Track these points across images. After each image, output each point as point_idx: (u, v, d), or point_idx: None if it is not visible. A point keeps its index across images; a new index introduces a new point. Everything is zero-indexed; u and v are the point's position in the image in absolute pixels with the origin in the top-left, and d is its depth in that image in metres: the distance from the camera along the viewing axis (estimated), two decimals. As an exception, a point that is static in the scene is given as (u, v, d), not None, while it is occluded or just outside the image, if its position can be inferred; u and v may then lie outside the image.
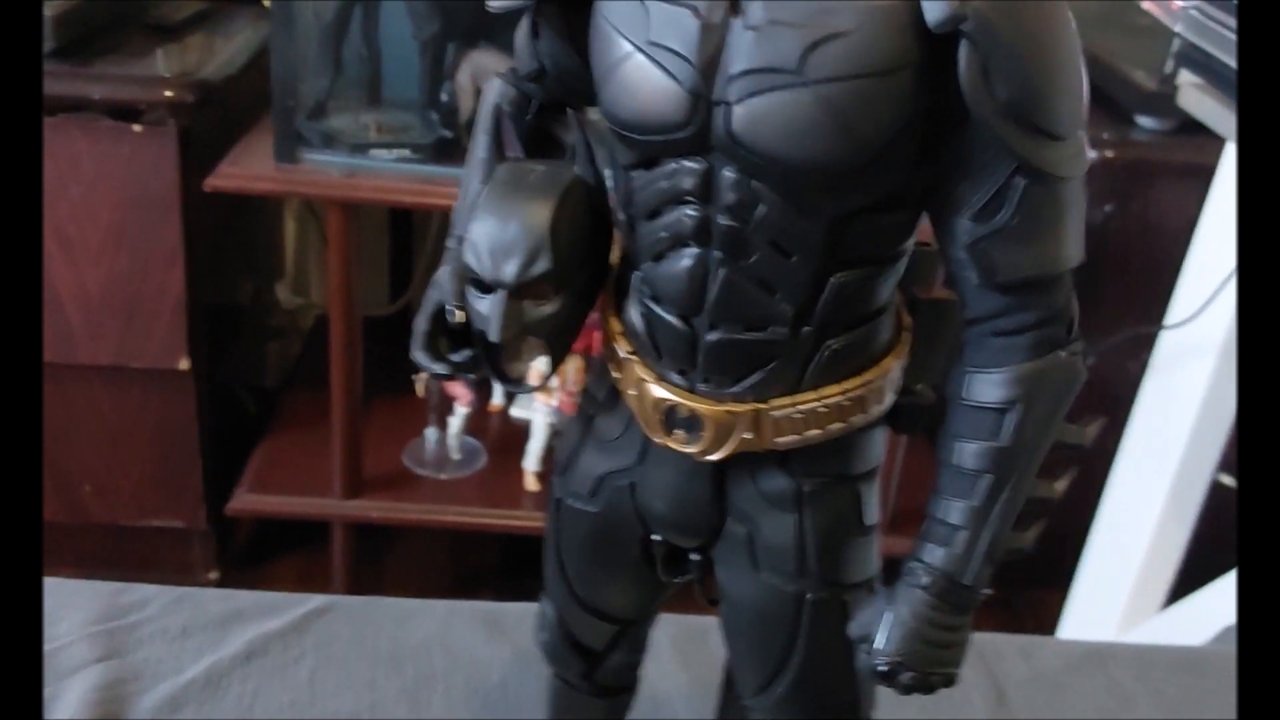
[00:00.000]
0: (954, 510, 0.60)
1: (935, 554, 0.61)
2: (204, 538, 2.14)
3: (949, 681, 0.62)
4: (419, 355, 0.66)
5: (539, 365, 0.65)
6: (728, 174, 0.57)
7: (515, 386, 0.65)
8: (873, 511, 0.67)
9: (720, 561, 0.69)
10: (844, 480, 0.65)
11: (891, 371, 0.63)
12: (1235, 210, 1.43)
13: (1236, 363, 1.54)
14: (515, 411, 2.25)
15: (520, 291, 0.61)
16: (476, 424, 2.17)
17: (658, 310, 0.62)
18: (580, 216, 0.63)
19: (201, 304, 1.96)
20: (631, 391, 0.65)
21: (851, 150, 0.54)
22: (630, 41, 0.56)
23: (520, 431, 2.14)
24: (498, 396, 2.27)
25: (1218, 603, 1.63)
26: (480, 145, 0.68)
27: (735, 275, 0.59)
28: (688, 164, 0.58)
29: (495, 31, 1.87)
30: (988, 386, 0.59)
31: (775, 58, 0.53)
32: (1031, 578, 2.22)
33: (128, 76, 1.83)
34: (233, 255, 2.24)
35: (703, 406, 0.63)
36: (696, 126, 0.56)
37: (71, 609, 1.09)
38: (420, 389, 2.09)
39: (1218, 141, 1.68)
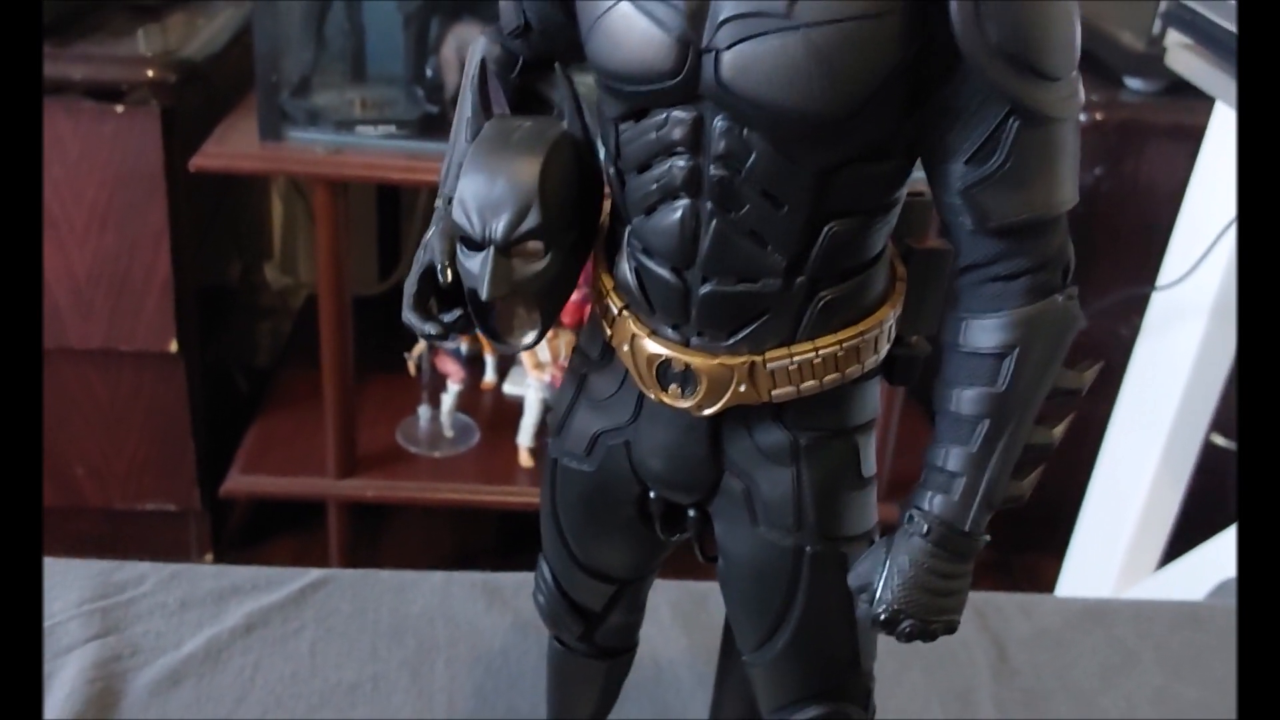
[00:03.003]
0: (952, 457, 0.60)
1: (934, 501, 0.60)
2: (199, 519, 2.14)
3: (950, 629, 0.62)
4: (410, 316, 0.65)
5: (531, 324, 0.64)
6: (718, 123, 0.56)
7: (507, 346, 0.65)
8: (870, 464, 0.66)
9: (718, 517, 0.68)
10: (840, 433, 0.65)
11: (886, 321, 0.63)
12: (1235, 167, 1.43)
13: (1236, 319, 1.54)
14: (508, 388, 2.24)
15: (510, 248, 0.60)
16: (469, 401, 2.17)
17: (650, 264, 0.61)
18: (569, 171, 0.62)
19: (190, 285, 1.96)
20: (625, 347, 0.65)
21: (841, 95, 0.54)
22: None
23: (513, 408, 2.14)
24: (490, 374, 2.26)
25: (1212, 562, 1.64)
26: (467, 104, 0.67)
27: (727, 227, 0.58)
28: (677, 114, 0.57)
29: (480, 5, 1.86)
30: (984, 332, 0.59)
31: (763, 2, 0.53)
32: (1028, 540, 2.23)
33: (109, 56, 1.82)
34: (220, 236, 2.23)
35: (697, 360, 0.62)
36: (685, 75, 0.55)
37: (65, 587, 1.09)
38: (412, 367, 2.09)
39: (1207, 102, 1.68)
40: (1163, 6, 1.80)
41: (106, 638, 1.04)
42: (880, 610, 0.60)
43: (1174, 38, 1.76)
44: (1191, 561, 1.70)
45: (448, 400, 2.10)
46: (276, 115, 1.80)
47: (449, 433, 2.12)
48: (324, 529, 2.11)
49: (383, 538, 2.28)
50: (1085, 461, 1.92)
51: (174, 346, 1.95)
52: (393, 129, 1.83)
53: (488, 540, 2.28)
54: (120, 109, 1.80)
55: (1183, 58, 1.71)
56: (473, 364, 2.21)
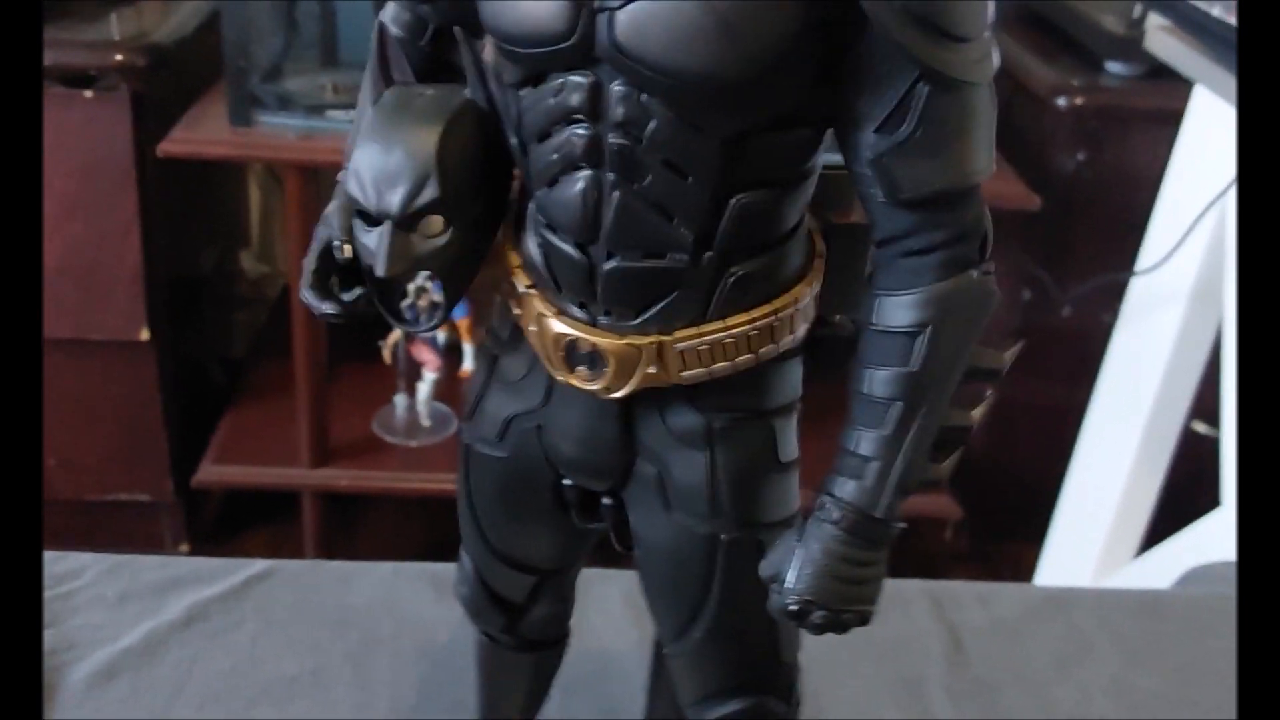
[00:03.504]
0: (865, 441, 0.58)
1: (846, 487, 0.58)
2: (172, 511, 2.12)
3: (864, 620, 0.59)
4: (307, 295, 0.62)
5: (434, 304, 0.62)
6: (616, 88, 0.54)
7: (409, 326, 0.62)
8: (790, 448, 0.64)
9: (632, 504, 0.66)
10: (757, 415, 0.62)
11: (802, 299, 0.60)
12: (1236, 150, 1.40)
13: (1232, 301, 1.52)
14: (485, 376, 2.22)
15: (408, 223, 0.58)
16: (446, 390, 2.14)
17: (554, 240, 0.59)
18: (472, 142, 0.59)
19: (162, 274, 1.93)
20: (532, 328, 0.62)
21: (741, 61, 0.51)
22: None
23: (490, 396, 2.11)
24: (468, 362, 2.24)
25: (1192, 549, 1.61)
26: (372, 72, 0.65)
27: (630, 199, 0.56)
28: (574, 78, 0.54)
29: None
30: (898, 310, 0.56)
31: None
32: (1007, 529, 2.21)
33: (78, 41, 1.80)
34: (196, 225, 2.21)
35: (604, 340, 0.60)
36: (579, 36, 0.53)
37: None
38: (387, 355, 2.07)
39: (1187, 86, 1.65)
40: (1144, -15, 1.78)
41: (44, 630, 1.02)
42: (789, 600, 0.58)
43: (1154, 21, 1.74)
44: (1170, 549, 1.68)
45: (424, 389, 2.08)
46: (247, 100, 1.78)
47: (426, 422, 2.10)
48: (298, 519, 2.09)
49: (358, 528, 2.26)
50: (1064, 449, 1.90)
51: (145, 335, 1.93)
52: (364, 114, 1.80)
53: (464, 530, 2.26)
54: (89, 95, 1.78)
55: (1162, 41, 1.69)
56: (450, 352, 2.18)
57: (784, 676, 0.69)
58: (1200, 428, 1.84)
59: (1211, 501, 1.61)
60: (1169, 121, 1.72)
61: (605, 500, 0.67)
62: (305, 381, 1.94)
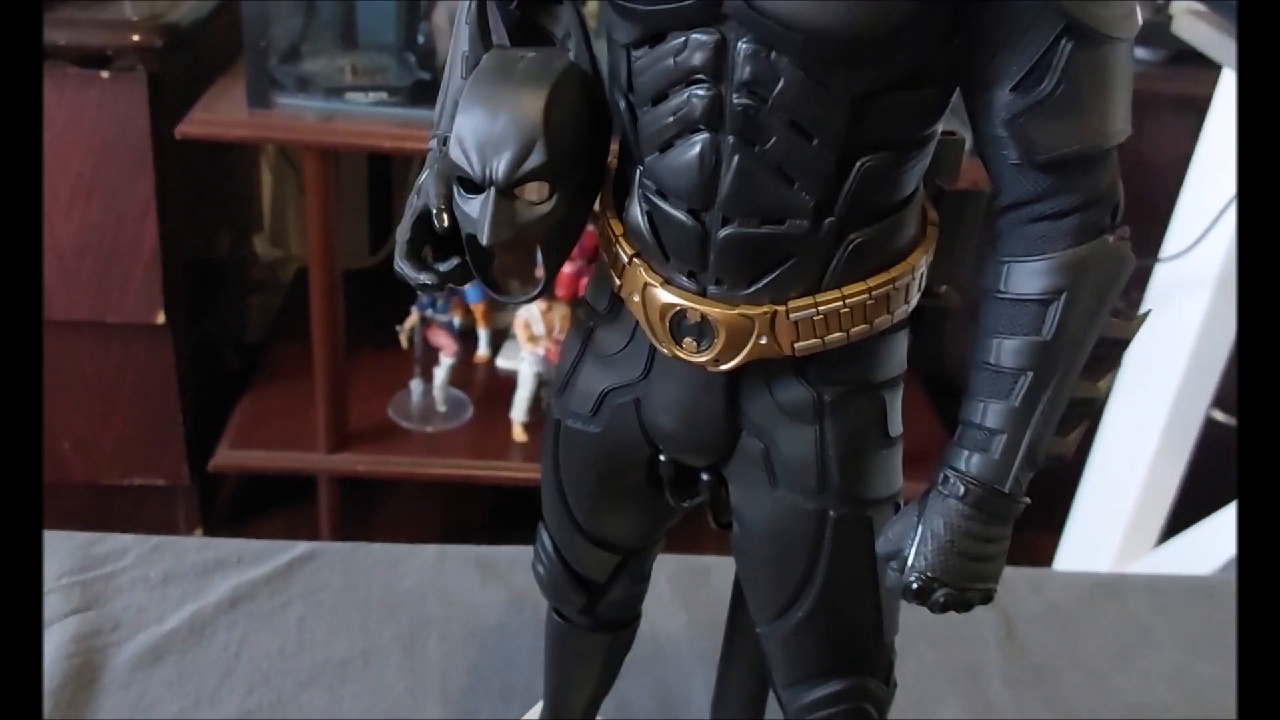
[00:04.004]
0: (991, 413, 0.56)
1: (971, 461, 0.57)
2: (188, 494, 2.11)
3: (987, 598, 0.58)
4: (402, 265, 0.61)
5: (535, 273, 0.60)
6: (743, 46, 0.52)
7: (508, 297, 0.61)
8: (897, 422, 0.62)
9: (734, 480, 0.65)
10: (867, 388, 0.61)
11: (918, 267, 0.59)
12: (1236, 139, 1.40)
13: (1236, 293, 1.51)
14: (501, 362, 2.21)
15: (512, 189, 0.56)
16: (462, 375, 2.13)
17: (664, 206, 0.57)
18: (576, 106, 0.58)
19: (178, 257, 1.92)
20: (635, 298, 0.60)
21: (875, 15, 0.50)
22: None
23: (507, 382, 2.10)
24: (484, 347, 2.23)
25: (1212, 539, 1.61)
26: (462, 38, 0.63)
27: (751, 162, 0.54)
28: (698, 36, 0.53)
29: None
30: (1028, 276, 0.55)
31: None
32: (1025, 515, 2.20)
33: (94, 21, 1.77)
34: (209, 208, 2.19)
35: (715, 310, 0.58)
36: None
37: (45, 560, 1.05)
38: (404, 340, 2.05)
39: (1212, 72, 1.64)
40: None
41: (86, 612, 1.01)
42: (912, 578, 0.56)
43: (1180, 5, 1.73)
44: (1191, 540, 1.68)
45: (440, 374, 2.06)
46: (265, 82, 1.76)
47: (441, 407, 2.09)
48: (314, 504, 2.08)
49: (374, 513, 2.24)
50: (1085, 436, 1.89)
51: (161, 318, 1.91)
52: (384, 96, 1.79)
53: (480, 516, 2.25)
54: (106, 75, 1.76)
55: (1189, 24, 1.68)
56: (465, 337, 2.17)
57: (884, 657, 0.67)
58: (1220, 416, 1.84)
59: (1231, 492, 1.60)
60: (1194, 107, 1.72)
61: (704, 476, 0.65)
62: (323, 366, 1.93)
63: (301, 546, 1.10)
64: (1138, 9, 0.52)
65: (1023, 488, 0.57)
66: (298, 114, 1.76)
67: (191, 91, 1.79)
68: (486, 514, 2.25)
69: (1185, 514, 1.76)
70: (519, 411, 2.05)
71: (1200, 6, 1.65)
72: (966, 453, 0.57)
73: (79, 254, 1.86)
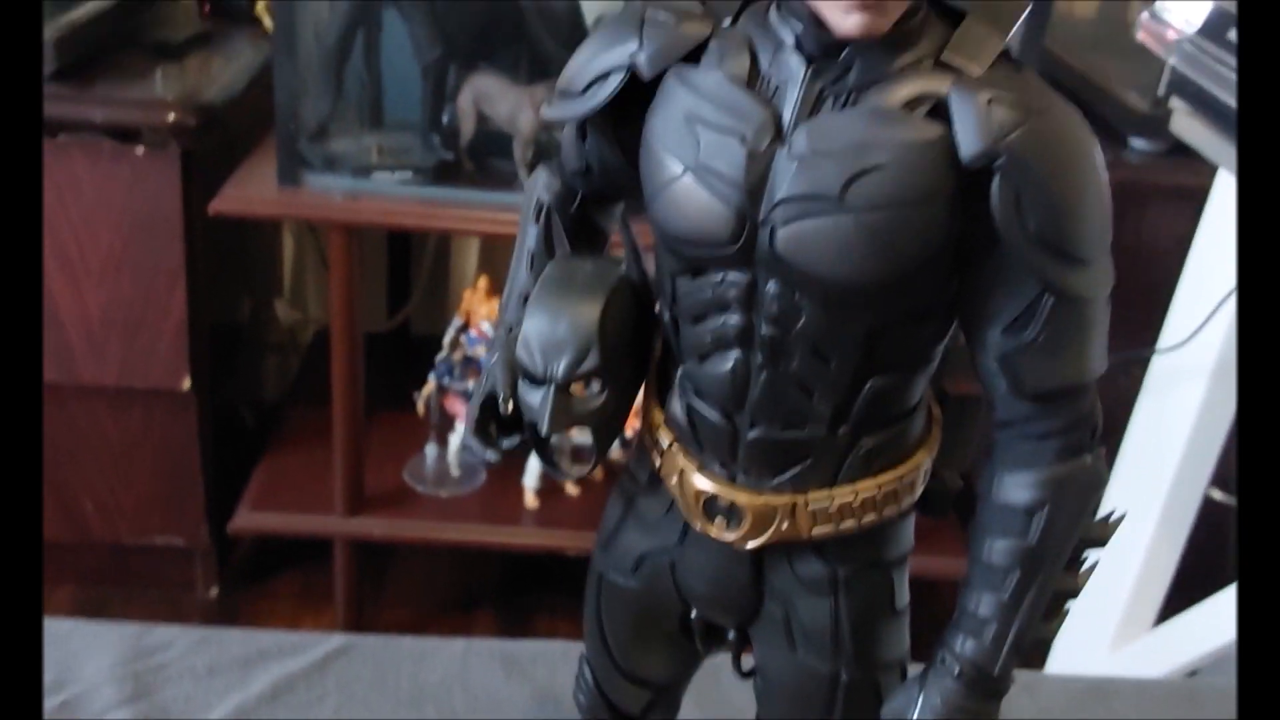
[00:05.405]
0: (984, 603, 0.64)
1: (966, 645, 0.64)
2: (205, 555, 2.16)
3: None
4: (472, 441, 0.68)
5: (587, 454, 0.67)
6: (771, 286, 0.60)
7: (562, 474, 0.68)
8: (904, 595, 0.70)
9: (758, 640, 0.72)
10: (877, 566, 0.68)
11: (923, 465, 0.66)
12: (1236, 230, 1.45)
13: (1237, 379, 1.56)
14: (514, 429, 2.25)
15: (569, 386, 0.63)
16: (476, 441, 2.17)
17: (700, 406, 0.65)
18: (627, 313, 0.65)
19: (203, 323, 1.97)
20: (673, 479, 0.68)
21: (888, 270, 0.57)
22: (681, 163, 0.59)
23: (520, 449, 2.14)
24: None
25: (1210, 620, 1.65)
26: (529, 236, 0.71)
27: (776, 377, 0.62)
28: (733, 275, 0.60)
29: (496, 56, 1.89)
30: (1016, 488, 0.63)
31: (818, 186, 0.56)
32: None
33: (130, 99, 1.84)
34: (232, 273, 2.25)
35: (743, 497, 0.65)
36: (743, 243, 0.59)
37: (96, 651, 1.11)
38: (421, 407, 2.10)
39: (1210, 164, 1.70)
40: (1169, 74, 1.83)
41: (138, 701, 1.07)
42: None
43: (1179, 103, 1.79)
44: (1189, 621, 1.72)
45: (455, 440, 2.10)
46: (295, 160, 1.81)
47: (456, 472, 2.13)
48: (329, 566, 2.12)
49: (387, 575, 2.29)
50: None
51: (187, 385, 1.97)
52: (409, 175, 1.85)
53: (493, 580, 2.30)
54: (139, 151, 1.82)
55: (1186, 123, 1.73)
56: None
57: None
58: (1218, 495, 1.89)
59: (1229, 571, 1.64)
60: (1192, 198, 1.77)
61: (731, 634, 0.72)
62: (342, 431, 1.97)
63: (336, 639, 1.16)
64: (1111, 269, 0.59)
65: (1010, 671, 0.65)
66: (325, 192, 1.82)
67: (221, 166, 1.85)
68: (498, 578, 2.30)
69: (1183, 593, 1.80)
70: (531, 478, 2.09)
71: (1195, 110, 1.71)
72: (962, 637, 0.65)
73: (107, 323, 1.91)
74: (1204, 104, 1.67)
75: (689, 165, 0.59)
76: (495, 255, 2.45)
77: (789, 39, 0.58)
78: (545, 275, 0.66)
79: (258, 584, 2.24)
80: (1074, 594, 0.66)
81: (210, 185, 1.80)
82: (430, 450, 2.14)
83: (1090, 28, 2.35)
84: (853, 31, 0.54)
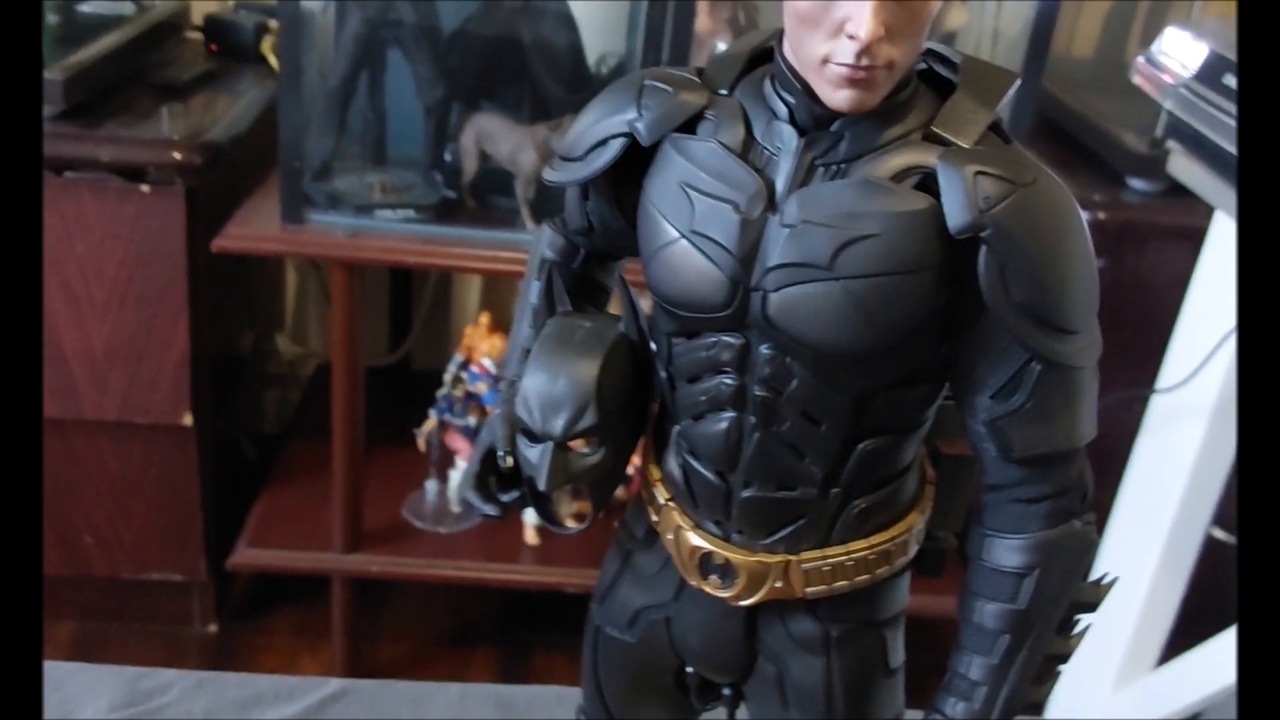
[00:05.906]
0: (975, 666, 0.64)
1: (956, 708, 0.65)
2: (203, 590, 2.16)
3: None
4: (470, 495, 0.69)
5: (583, 508, 0.68)
6: (763, 350, 0.60)
7: (560, 528, 0.69)
8: (898, 654, 0.70)
9: (751, 697, 0.72)
10: (870, 625, 0.68)
11: (915, 526, 0.67)
12: (1235, 269, 1.46)
13: (1237, 418, 1.56)
14: (514, 465, 2.25)
15: (567, 443, 0.64)
16: (476, 477, 2.17)
17: (695, 465, 0.65)
18: (624, 372, 0.66)
19: (205, 358, 1.98)
20: (669, 536, 0.68)
21: (877, 337, 0.58)
22: (676, 229, 0.60)
23: (520, 485, 2.15)
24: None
25: (1213, 661, 1.65)
26: (531, 291, 0.72)
27: (768, 439, 0.62)
28: (726, 339, 0.61)
29: (498, 96, 1.90)
30: (1006, 551, 0.63)
31: (808, 254, 0.57)
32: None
33: (136, 139, 1.85)
34: (235, 307, 2.26)
35: (737, 556, 0.66)
36: (735, 308, 0.60)
37: (95, 694, 1.11)
38: (422, 444, 2.11)
39: (1208, 204, 1.70)
40: (1166, 117, 1.84)
41: (137, 746, 1.07)
42: None
43: (1176, 145, 1.79)
44: (1191, 661, 1.72)
45: (455, 476, 2.10)
46: (298, 198, 1.83)
47: (455, 508, 2.13)
48: (327, 601, 2.11)
49: (384, 611, 2.29)
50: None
51: (188, 420, 1.97)
52: (411, 213, 1.86)
53: (490, 616, 2.30)
54: (145, 189, 1.83)
55: (1184, 165, 1.74)
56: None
57: None
58: (1219, 534, 1.88)
59: (1230, 611, 1.64)
60: (1190, 238, 1.77)
61: (725, 690, 0.72)
62: (341, 467, 1.98)
63: (334, 684, 1.17)
64: (1098, 339, 0.60)
65: None
66: (328, 230, 1.83)
67: (226, 203, 1.86)
68: (496, 614, 2.30)
69: (1185, 632, 1.79)
70: (530, 515, 2.10)
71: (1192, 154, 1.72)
72: (954, 699, 0.65)
73: (110, 357, 1.92)
74: (1201, 148, 1.68)
75: (684, 231, 0.60)
76: (497, 291, 2.46)
77: (782, 110, 0.59)
78: (545, 333, 0.67)
79: (256, 619, 2.24)
80: (1065, 658, 0.66)
81: (214, 221, 1.82)
82: (430, 486, 2.14)
83: (1088, 67, 2.37)
84: (844, 105, 0.56)
